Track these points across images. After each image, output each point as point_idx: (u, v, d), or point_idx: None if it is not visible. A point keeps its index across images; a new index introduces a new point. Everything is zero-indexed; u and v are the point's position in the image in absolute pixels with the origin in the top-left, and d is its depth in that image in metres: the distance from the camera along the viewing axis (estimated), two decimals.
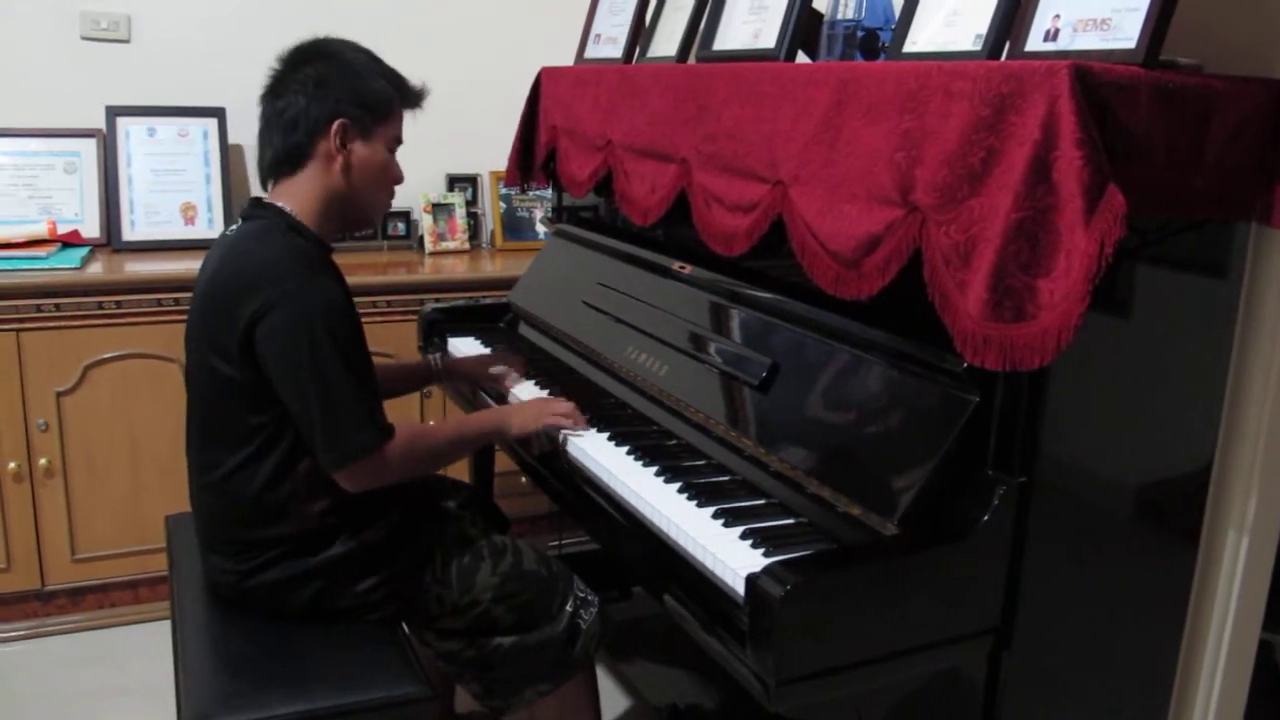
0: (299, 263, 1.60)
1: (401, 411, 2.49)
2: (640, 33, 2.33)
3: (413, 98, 1.77)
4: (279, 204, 1.68)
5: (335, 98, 1.66)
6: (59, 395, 2.52)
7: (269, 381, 1.59)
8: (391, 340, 2.77)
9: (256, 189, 1.78)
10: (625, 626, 2.41)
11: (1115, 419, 1.39)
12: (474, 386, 2.19)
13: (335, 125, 1.66)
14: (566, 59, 2.59)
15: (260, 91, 1.72)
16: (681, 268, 1.99)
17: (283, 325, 1.56)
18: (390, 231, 3.26)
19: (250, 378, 1.60)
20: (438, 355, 2.21)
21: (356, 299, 2.71)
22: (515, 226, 3.40)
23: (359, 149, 1.69)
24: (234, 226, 1.72)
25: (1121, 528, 1.45)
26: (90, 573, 2.64)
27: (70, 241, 2.78)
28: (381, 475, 1.65)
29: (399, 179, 1.79)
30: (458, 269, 3.08)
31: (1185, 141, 1.28)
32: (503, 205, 3.38)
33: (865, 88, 1.46)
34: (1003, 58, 1.42)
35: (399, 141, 1.77)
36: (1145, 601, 1.51)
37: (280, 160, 1.68)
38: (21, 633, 2.62)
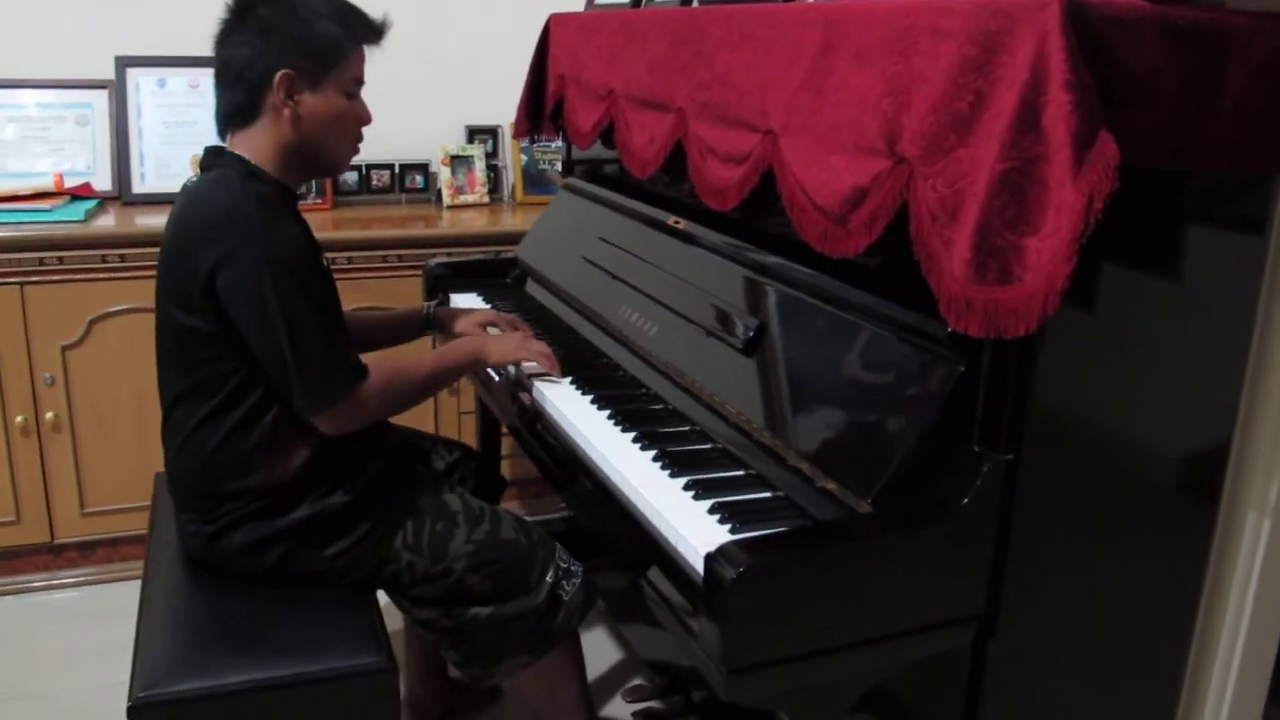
0: (258, 208, 1.55)
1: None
2: None
3: (365, 34, 1.65)
4: (237, 152, 1.62)
5: (278, 48, 1.57)
6: (64, 349, 2.50)
7: (233, 330, 1.55)
8: (401, 296, 2.70)
9: None
10: (626, 588, 2.34)
11: (1117, 391, 1.27)
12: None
13: (279, 77, 1.57)
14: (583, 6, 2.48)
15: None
16: (676, 223, 1.89)
17: (245, 271, 1.51)
18: (408, 184, 3.19)
19: (213, 327, 1.56)
20: (432, 303, 2.13)
21: (368, 253, 2.72)
22: (536, 180, 3.31)
23: (308, 100, 1.60)
24: (193, 176, 1.66)
25: (1124, 511, 1.33)
26: (99, 527, 2.64)
27: (80, 194, 2.75)
28: (360, 416, 1.63)
29: (365, 120, 1.69)
30: (476, 223, 3.00)
31: (1200, 85, 1.15)
32: (524, 158, 3.29)
33: (853, 28, 1.34)
34: None
35: (359, 83, 1.66)
36: (1151, 592, 1.39)
37: (232, 114, 1.62)
38: (33, 585, 2.63)
